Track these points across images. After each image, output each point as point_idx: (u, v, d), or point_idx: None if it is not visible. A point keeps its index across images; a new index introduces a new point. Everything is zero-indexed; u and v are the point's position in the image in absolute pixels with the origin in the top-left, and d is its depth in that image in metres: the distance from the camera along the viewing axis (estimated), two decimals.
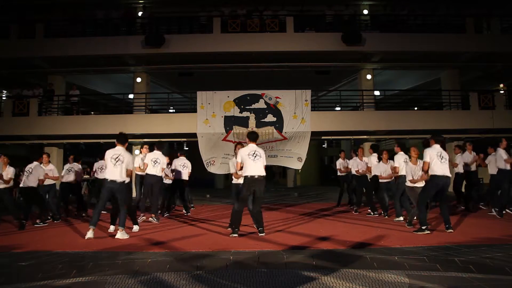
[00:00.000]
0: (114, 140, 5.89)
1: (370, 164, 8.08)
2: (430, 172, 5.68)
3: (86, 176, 11.28)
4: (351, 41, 13.37)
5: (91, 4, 15.10)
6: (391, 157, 7.52)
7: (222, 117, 12.39)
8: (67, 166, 8.55)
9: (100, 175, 8.18)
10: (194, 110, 13.08)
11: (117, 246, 4.96)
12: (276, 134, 12.13)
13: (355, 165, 8.44)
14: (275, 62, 14.48)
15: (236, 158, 5.92)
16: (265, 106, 12.49)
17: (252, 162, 5.57)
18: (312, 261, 4.04)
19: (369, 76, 15.13)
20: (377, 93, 15.78)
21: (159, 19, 14.82)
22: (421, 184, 6.06)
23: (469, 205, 8.16)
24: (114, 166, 5.63)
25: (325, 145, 14.20)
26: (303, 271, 3.65)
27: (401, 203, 6.99)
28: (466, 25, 14.06)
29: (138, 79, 15.12)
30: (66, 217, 8.07)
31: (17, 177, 8.66)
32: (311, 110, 12.64)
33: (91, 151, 15.99)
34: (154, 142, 8.93)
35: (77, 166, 8.59)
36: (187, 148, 14.13)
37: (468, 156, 8.61)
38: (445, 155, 5.70)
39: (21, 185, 7.08)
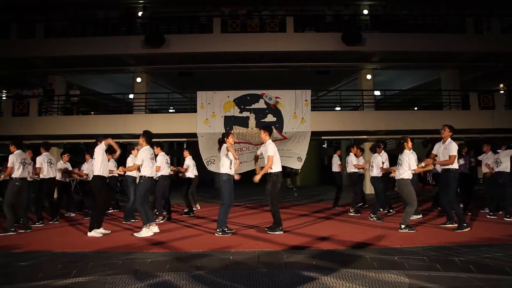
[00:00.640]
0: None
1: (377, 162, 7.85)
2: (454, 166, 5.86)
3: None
4: (351, 41, 13.36)
5: (91, 4, 15.10)
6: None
7: (222, 117, 12.39)
8: (60, 164, 8.51)
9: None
10: (194, 110, 13.09)
11: (117, 246, 4.96)
12: (276, 134, 12.13)
13: (353, 161, 8.40)
14: (275, 62, 14.47)
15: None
16: (265, 106, 12.49)
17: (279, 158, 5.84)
18: (312, 261, 4.04)
19: (369, 76, 15.13)
20: (377, 93, 15.78)
21: (159, 19, 14.82)
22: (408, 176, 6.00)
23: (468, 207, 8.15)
24: (153, 165, 6.04)
25: (325, 145, 14.22)
26: (303, 271, 3.65)
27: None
28: (466, 25, 14.06)
29: (138, 79, 15.12)
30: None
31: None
32: (311, 110, 12.65)
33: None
34: (154, 142, 8.96)
35: (68, 165, 8.59)
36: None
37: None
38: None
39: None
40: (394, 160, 6.67)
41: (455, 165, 5.92)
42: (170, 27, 14.65)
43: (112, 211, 9.11)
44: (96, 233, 5.77)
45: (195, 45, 13.48)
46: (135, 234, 5.75)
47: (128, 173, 7.48)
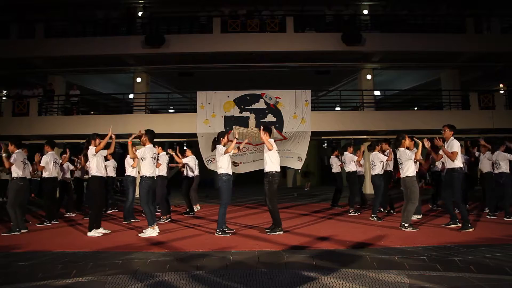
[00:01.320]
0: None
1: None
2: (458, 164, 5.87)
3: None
4: (351, 41, 13.36)
5: (91, 4, 15.09)
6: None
7: (222, 117, 12.39)
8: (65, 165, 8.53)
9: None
10: (194, 110, 13.08)
11: (117, 246, 4.96)
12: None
13: (349, 158, 8.39)
14: (275, 62, 14.48)
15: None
16: (265, 106, 12.49)
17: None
18: (312, 261, 4.04)
19: (369, 76, 15.13)
20: (377, 93, 15.78)
21: (159, 19, 14.82)
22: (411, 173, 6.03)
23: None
24: (154, 164, 5.98)
25: (325, 145, 14.24)
26: (303, 271, 3.64)
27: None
28: (466, 25, 14.07)
29: (138, 79, 15.13)
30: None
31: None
32: (311, 110, 12.64)
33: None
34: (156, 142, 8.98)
35: (68, 164, 8.61)
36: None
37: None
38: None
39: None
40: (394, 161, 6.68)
41: (460, 164, 5.93)
42: (170, 27, 14.64)
43: (112, 211, 9.10)
44: (95, 233, 5.78)
45: (195, 45, 13.49)
46: (140, 234, 5.72)
47: (128, 173, 7.49)
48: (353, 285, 3.23)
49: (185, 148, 10.12)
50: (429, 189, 12.69)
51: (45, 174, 7.14)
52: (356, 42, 13.38)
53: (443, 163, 6.59)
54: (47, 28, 14.02)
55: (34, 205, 10.37)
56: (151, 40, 13.28)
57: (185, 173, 8.73)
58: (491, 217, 7.14)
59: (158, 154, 7.62)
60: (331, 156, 9.60)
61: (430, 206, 8.99)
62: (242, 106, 12.51)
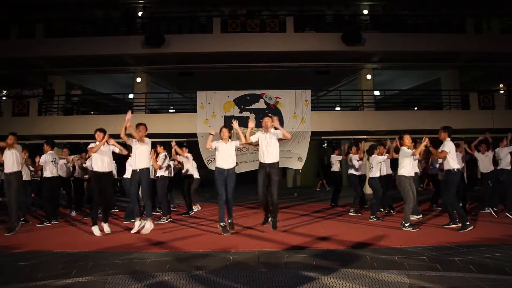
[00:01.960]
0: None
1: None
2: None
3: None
4: (351, 41, 13.35)
5: (91, 4, 15.09)
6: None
7: (222, 117, 12.38)
8: (62, 161, 8.51)
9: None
10: (194, 110, 13.08)
11: (117, 246, 4.96)
12: None
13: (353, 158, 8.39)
14: (275, 62, 14.46)
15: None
16: (265, 106, 12.48)
17: None
18: (312, 261, 4.04)
19: (369, 76, 15.12)
20: (377, 93, 15.76)
21: (159, 19, 14.81)
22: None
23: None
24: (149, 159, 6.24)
25: (325, 145, 14.23)
26: (303, 271, 3.65)
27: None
28: (466, 25, 14.05)
29: (138, 79, 15.11)
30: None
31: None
32: (311, 110, 12.63)
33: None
34: (154, 142, 8.97)
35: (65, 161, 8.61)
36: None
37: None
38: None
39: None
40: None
41: (455, 166, 5.93)
42: (170, 27, 14.63)
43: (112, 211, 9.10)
44: (96, 229, 5.78)
45: (195, 45, 13.47)
46: (142, 231, 5.77)
47: (126, 175, 7.48)
48: (353, 285, 3.24)
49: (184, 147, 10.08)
50: (430, 189, 12.69)
51: (44, 174, 7.15)
52: (356, 42, 13.36)
53: (440, 163, 6.64)
54: (47, 28, 14.00)
55: (33, 205, 10.37)
56: (151, 40, 13.27)
57: (183, 171, 8.68)
58: (494, 213, 7.18)
59: (158, 153, 7.64)
60: (332, 155, 9.61)
61: (431, 206, 8.97)
62: (242, 106, 12.51)
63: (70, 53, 13.44)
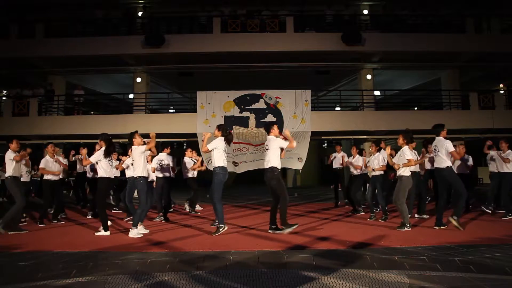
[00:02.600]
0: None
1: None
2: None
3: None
4: (351, 41, 13.36)
5: (91, 4, 15.10)
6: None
7: (222, 117, 12.40)
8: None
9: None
10: (194, 110, 13.09)
11: (117, 246, 4.96)
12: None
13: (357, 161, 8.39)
14: (275, 62, 14.47)
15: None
16: (265, 106, 12.49)
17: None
18: (312, 261, 4.04)
19: (369, 76, 15.13)
20: (377, 93, 15.77)
21: (159, 19, 14.83)
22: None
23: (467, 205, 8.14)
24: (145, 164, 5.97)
25: (325, 145, 14.24)
26: (303, 271, 3.64)
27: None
28: (466, 25, 14.06)
29: (138, 79, 15.12)
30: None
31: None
32: (311, 110, 12.64)
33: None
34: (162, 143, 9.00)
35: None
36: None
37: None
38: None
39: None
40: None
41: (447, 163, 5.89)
42: (170, 27, 14.65)
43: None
44: (101, 232, 5.80)
45: (195, 45, 13.48)
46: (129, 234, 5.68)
47: (139, 174, 7.45)
48: (353, 285, 3.23)
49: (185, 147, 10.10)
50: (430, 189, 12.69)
51: (46, 176, 7.16)
52: (356, 42, 13.37)
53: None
54: (47, 28, 14.02)
55: (33, 205, 10.37)
56: (151, 40, 13.28)
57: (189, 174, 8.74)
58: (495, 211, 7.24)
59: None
60: (333, 154, 9.61)
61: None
62: (242, 106, 12.51)
63: (70, 53, 13.46)
